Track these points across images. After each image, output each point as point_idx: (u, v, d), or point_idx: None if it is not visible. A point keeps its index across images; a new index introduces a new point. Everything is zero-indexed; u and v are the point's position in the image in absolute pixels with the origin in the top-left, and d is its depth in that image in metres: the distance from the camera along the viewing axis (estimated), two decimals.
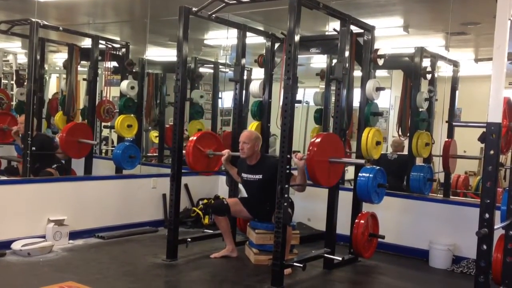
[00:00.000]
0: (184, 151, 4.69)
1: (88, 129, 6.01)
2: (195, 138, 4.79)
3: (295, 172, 4.11)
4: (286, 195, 3.79)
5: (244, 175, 4.68)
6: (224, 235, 4.76)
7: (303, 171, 4.11)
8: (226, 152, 4.79)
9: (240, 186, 5.00)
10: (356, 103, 4.92)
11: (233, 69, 5.21)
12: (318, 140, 4.02)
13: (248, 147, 4.51)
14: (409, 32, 6.56)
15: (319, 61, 7.24)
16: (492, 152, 2.99)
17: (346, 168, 5.97)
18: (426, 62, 5.66)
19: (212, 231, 5.26)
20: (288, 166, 3.79)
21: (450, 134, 6.00)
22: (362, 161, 4.38)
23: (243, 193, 5.10)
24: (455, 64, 6.13)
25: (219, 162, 4.98)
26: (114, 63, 6.41)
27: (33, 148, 5.32)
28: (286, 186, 3.79)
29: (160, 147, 7.71)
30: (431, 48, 5.85)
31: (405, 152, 5.95)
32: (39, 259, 4.38)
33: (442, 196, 5.88)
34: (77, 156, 5.98)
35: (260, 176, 4.54)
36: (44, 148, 5.75)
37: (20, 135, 5.72)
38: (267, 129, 5.19)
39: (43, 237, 4.75)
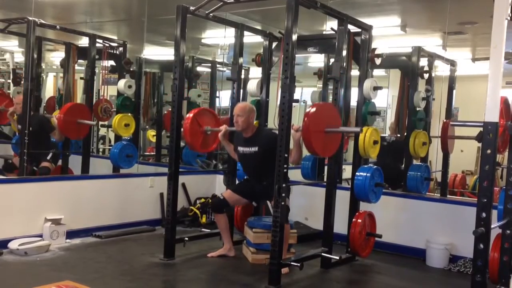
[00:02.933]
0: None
1: (87, 109, 5.93)
2: (192, 114, 4.68)
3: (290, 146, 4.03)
4: (283, 195, 3.79)
5: (240, 148, 4.59)
6: (222, 233, 4.75)
7: (299, 144, 4.08)
8: (223, 127, 4.69)
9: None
10: (353, 102, 4.92)
11: (230, 68, 5.20)
12: (313, 110, 3.98)
13: (242, 120, 4.45)
14: (406, 32, 6.57)
15: (317, 60, 7.26)
16: (489, 151, 3.00)
17: (343, 167, 5.98)
18: (424, 62, 5.67)
19: (209, 230, 5.26)
20: (285, 165, 3.79)
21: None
22: (358, 129, 4.39)
23: None
24: (452, 63, 6.13)
25: (217, 140, 4.89)
26: (112, 62, 6.40)
27: (31, 129, 5.28)
28: (284, 185, 3.78)
29: (157, 146, 7.70)
30: (428, 48, 5.86)
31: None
32: (36, 258, 4.37)
33: (439, 195, 5.89)
34: (76, 137, 6.00)
35: (256, 149, 4.46)
36: (43, 128, 5.72)
37: (16, 115, 5.71)
38: None
39: (40, 236, 4.73)
